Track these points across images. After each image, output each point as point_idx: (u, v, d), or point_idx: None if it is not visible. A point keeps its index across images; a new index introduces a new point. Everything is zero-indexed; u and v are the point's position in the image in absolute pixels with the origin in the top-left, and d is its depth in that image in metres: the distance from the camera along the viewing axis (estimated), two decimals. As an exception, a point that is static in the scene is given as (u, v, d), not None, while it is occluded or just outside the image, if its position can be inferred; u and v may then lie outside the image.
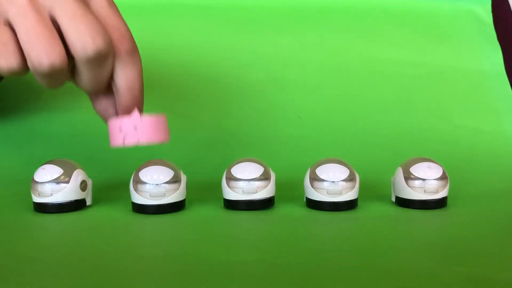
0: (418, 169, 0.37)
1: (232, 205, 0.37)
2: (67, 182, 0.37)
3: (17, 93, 0.58)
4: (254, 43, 0.63)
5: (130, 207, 0.37)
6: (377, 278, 0.24)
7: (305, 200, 0.38)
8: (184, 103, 0.59)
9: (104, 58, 0.32)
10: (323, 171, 0.37)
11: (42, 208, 0.37)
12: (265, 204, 0.37)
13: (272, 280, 0.23)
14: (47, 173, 0.37)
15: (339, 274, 0.24)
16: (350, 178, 0.36)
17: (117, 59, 0.33)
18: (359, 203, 0.38)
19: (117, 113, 0.36)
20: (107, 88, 0.35)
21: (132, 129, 0.33)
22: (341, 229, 0.33)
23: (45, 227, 0.34)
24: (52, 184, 0.36)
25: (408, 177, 0.37)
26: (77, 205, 0.37)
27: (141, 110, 0.35)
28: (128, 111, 0.35)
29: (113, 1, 0.34)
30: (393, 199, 0.39)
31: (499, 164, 0.54)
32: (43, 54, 0.30)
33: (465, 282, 0.23)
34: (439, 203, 0.37)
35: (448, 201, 0.38)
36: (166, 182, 0.36)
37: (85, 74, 0.33)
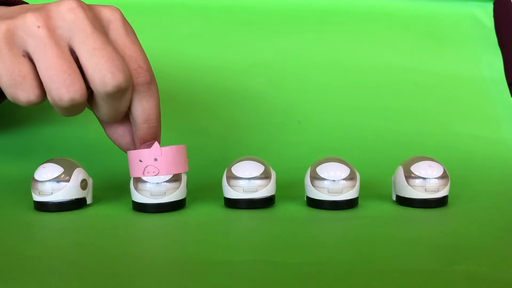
0: (418, 168, 0.37)
1: (233, 203, 0.37)
2: (68, 180, 0.37)
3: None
4: (255, 47, 0.63)
5: (131, 206, 0.37)
6: (377, 276, 0.24)
7: (305, 199, 0.38)
8: (184, 106, 0.59)
9: (123, 92, 0.32)
10: (323, 170, 0.37)
11: (43, 206, 0.37)
12: (266, 202, 0.37)
13: (272, 279, 0.23)
14: (47, 171, 0.37)
15: (339, 273, 0.24)
16: (351, 177, 0.36)
17: (134, 91, 0.33)
18: (359, 202, 0.38)
19: (134, 142, 0.36)
20: (125, 116, 0.35)
21: (152, 161, 0.34)
22: (342, 228, 0.32)
23: (46, 225, 0.34)
24: (53, 183, 0.36)
25: (409, 175, 0.37)
26: (77, 204, 0.37)
27: (158, 140, 0.35)
28: (145, 141, 0.35)
29: (131, 28, 0.34)
30: (394, 197, 0.39)
31: (498, 170, 0.54)
32: (63, 89, 0.30)
33: (465, 280, 0.23)
34: (440, 202, 0.37)
35: (449, 200, 0.38)
36: (167, 181, 0.36)
37: (103, 107, 0.33)
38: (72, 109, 0.32)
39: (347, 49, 0.64)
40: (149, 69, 0.34)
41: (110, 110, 0.33)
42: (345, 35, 0.65)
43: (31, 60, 0.31)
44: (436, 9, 0.68)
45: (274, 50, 0.63)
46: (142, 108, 0.34)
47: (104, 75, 0.30)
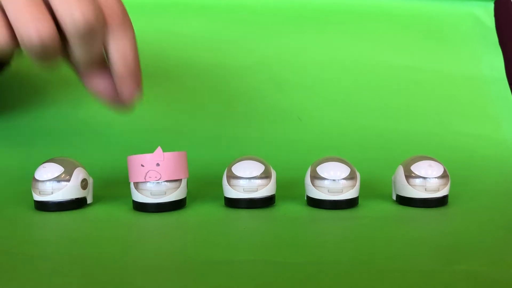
0: (419, 167, 0.37)
1: (233, 203, 0.37)
2: (68, 180, 0.37)
3: (18, 91, 0.58)
4: (256, 44, 0.63)
5: (131, 206, 0.38)
6: (377, 276, 0.24)
7: (305, 198, 0.38)
8: (185, 103, 0.59)
9: (95, 31, 0.32)
10: (324, 169, 0.37)
11: (43, 206, 0.37)
12: (266, 202, 0.37)
13: (272, 279, 0.23)
14: (47, 171, 0.37)
15: (339, 273, 0.24)
16: (351, 177, 0.36)
17: (108, 32, 0.33)
18: (359, 201, 0.38)
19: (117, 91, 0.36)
20: (104, 66, 0.35)
21: (154, 166, 0.35)
22: (342, 228, 0.32)
23: (46, 225, 0.34)
24: (53, 182, 0.36)
25: (409, 175, 0.37)
26: (77, 204, 0.37)
27: (139, 81, 0.35)
28: (125, 82, 0.34)
29: None
30: (394, 197, 0.39)
31: (499, 169, 0.54)
32: (31, 28, 0.30)
33: (465, 280, 0.23)
34: (440, 202, 0.37)
35: (449, 200, 0.38)
36: (167, 181, 0.36)
37: (76, 49, 0.33)
38: (44, 53, 0.31)
39: (347, 48, 0.64)
40: (123, 11, 0.33)
41: (83, 52, 0.33)
42: (345, 34, 0.65)
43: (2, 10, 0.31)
44: (436, 8, 0.68)
45: (275, 48, 0.63)
46: (117, 48, 0.33)
47: (74, 12, 0.30)
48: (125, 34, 0.34)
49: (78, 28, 0.31)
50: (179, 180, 0.36)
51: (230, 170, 0.37)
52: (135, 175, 0.36)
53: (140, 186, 0.36)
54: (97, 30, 0.32)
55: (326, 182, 0.36)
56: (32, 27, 0.30)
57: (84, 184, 0.38)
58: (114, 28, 0.33)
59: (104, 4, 0.33)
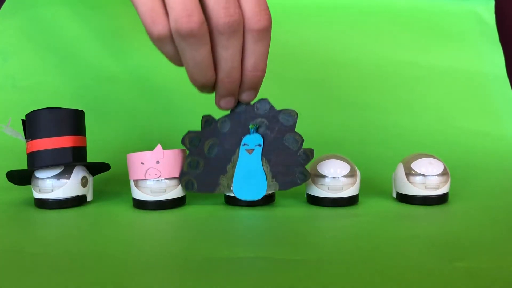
0: (419, 165, 0.37)
1: (233, 201, 0.37)
2: (68, 178, 0.37)
3: (22, 89, 0.58)
4: None
5: (131, 203, 0.38)
6: (377, 273, 0.24)
7: (306, 196, 0.38)
8: (182, 98, 0.59)
9: (234, 32, 0.32)
10: (324, 167, 0.37)
11: (43, 204, 0.37)
12: (266, 200, 0.37)
13: (272, 276, 0.23)
14: (48, 168, 0.37)
15: (339, 270, 0.24)
16: (351, 174, 0.36)
17: (247, 36, 0.33)
18: (360, 199, 0.38)
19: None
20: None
21: (154, 164, 0.35)
22: (342, 225, 0.32)
23: (46, 223, 0.34)
24: (53, 180, 0.36)
25: (409, 173, 0.37)
26: (78, 201, 0.37)
27: (258, 89, 0.37)
28: (252, 91, 0.36)
29: None
30: (394, 195, 0.39)
31: (499, 165, 0.54)
32: (183, 18, 0.31)
33: (465, 277, 0.23)
34: (440, 199, 0.37)
35: (449, 198, 0.38)
36: (167, 178, 0.36)
37: (219, 50, 0.33)
38: (193, 45, 0.32)
39: (348, 43, 0.64)
40: (268, 14, 0.34)
41: (226, 55, 0.33)
42: (347, 29, 0.65)
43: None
44: (438, 5, 0.68)
45: (274, 43, 0.63)
46: (252, 52, 0.34)
47: (218, 11, 0.31)
48: (263, 41, 0.34)
49: (218, 26, 0.31)
50: (179, 178, 0.36)
51: (230, 168, 0.37)
52: (135, 172, 0.36)
53: (140, 183, 0.36)
54: (236, 32, 0.32)
55: (326, 179, 0.36)
56: (184, 19, 0.30)
57: (84, 181, 0.38)
58: (255, 33, 0.33)
59: (250, 10, 0.33)
